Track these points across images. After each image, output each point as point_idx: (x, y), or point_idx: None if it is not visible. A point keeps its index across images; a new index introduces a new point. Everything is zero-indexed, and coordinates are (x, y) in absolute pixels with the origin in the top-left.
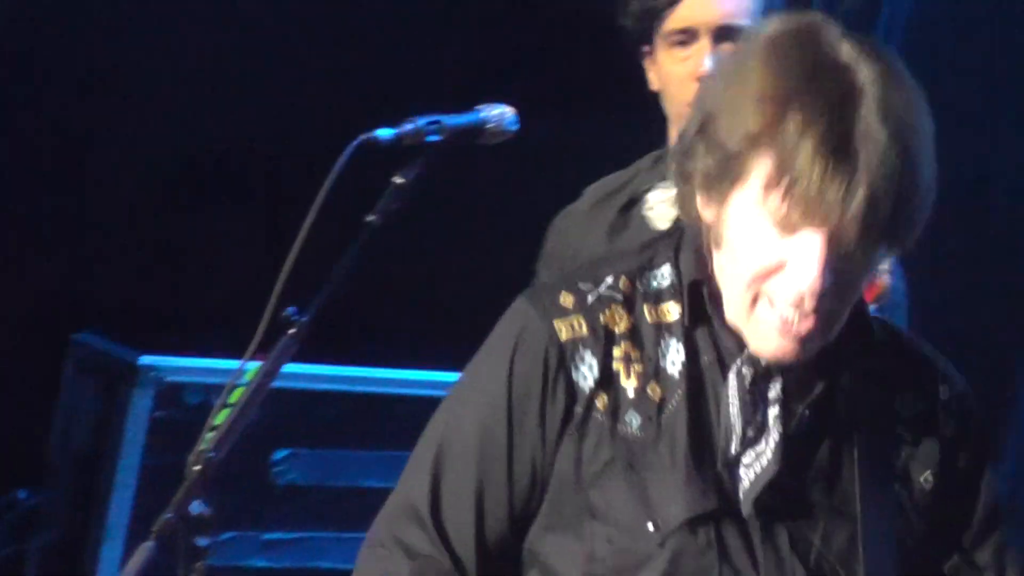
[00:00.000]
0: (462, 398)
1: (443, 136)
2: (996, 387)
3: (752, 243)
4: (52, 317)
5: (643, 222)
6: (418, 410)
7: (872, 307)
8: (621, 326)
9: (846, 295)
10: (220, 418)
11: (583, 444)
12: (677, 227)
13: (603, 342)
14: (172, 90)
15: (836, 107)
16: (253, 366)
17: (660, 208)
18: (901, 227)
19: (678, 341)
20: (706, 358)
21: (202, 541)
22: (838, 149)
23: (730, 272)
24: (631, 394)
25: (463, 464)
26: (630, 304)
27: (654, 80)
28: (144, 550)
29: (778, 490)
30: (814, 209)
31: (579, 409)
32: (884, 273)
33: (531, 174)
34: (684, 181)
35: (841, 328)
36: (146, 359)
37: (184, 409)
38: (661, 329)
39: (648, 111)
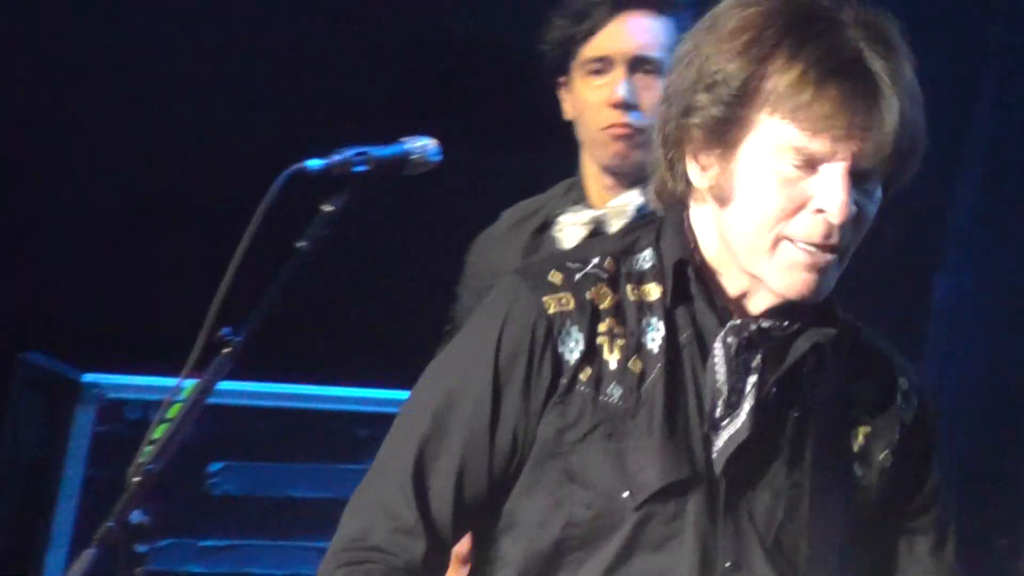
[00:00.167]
0: (450, 365)
1: (369, 166)
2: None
3: (772, 187)
4: (0, 337)
5: (553, 243)
6: (346, 425)
7: None
8: (606, 302)
9: (860, 228)
10: (158, 432)
11: (566, 413)
12: (656, 215)
13: (589, 317)
14: (115, 122)
15: (828, 31)
16: (190, 383)
17: (569, 230)
18: (914, 151)
19: (659, 319)
20: (685, 335)
21: (141, 548)
22: (854, 63)
23: (745, 222)
24: (613, 367)
25: (448, 428)
26: (614, 283)
27: (569, 110)
28: (87, 556)
29: (747, 461)
30: (842, 120)
31: (564, 381)
32: None
33: (453, 201)
34: (676, 145)
35: (811, 313)
36: (89, 377)
37: (125, 424)
38: (643, 307)
39: (562, 142)
